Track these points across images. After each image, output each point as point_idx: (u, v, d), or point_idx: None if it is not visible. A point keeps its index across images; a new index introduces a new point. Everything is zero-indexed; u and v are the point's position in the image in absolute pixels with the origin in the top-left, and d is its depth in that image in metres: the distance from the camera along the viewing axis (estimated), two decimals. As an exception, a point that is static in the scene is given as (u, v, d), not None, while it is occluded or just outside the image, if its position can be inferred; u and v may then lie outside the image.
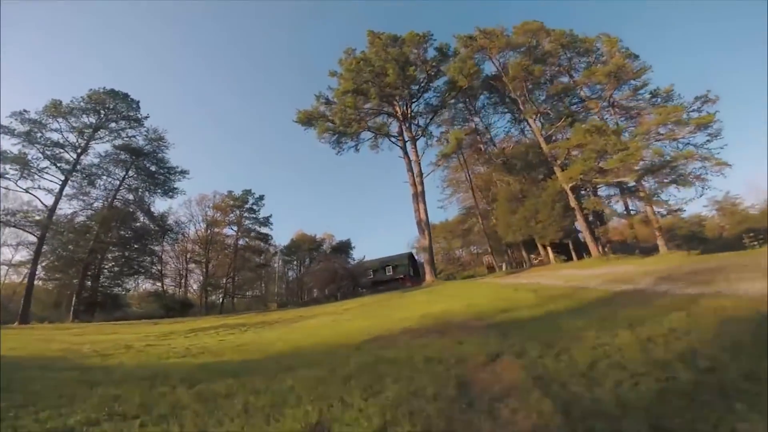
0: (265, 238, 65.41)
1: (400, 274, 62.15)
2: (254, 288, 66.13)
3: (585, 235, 29.78)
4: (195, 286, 53.05)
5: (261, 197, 65.36)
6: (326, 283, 45.03)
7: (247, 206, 64.01)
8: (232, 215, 62.13)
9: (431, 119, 36.41)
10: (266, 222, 65.26)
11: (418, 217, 30.19)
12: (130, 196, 41.61)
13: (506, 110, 40.82)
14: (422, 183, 33.15)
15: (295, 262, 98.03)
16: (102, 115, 39.78)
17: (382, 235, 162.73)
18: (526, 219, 29.86)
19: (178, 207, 57.58)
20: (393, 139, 36.02)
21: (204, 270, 51.57)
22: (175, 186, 44.47)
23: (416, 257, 75.78)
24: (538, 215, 29.47)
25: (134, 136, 43.65)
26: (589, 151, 26.00)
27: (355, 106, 30.68)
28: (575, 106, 35.07)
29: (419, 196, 31.57)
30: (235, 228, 61.56)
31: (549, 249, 33.25)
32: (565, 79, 34.57)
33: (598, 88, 32.74)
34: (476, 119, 41.24)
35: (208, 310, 48.26)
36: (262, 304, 63.64)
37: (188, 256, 51.94)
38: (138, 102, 43.39)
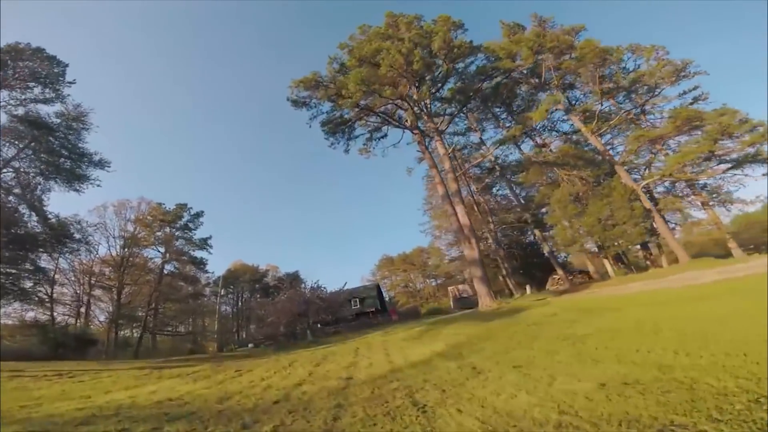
0: (201, 263, 52.39)
1: (369, 307, 53.02)
2: (182, 323, 51.43)
3: (667, 239, 24.95)
4: (103, 317, 38.32)
5: (199, 214, 53.15)
6: (294, 317, 34.43)
7: (180, 223, 51.37)
8: (159, 232, 48.82)
9: (460, 109, 29.94)
10: (204, 244, 52.57)
11: (457, 223, 22.35)
12: (16, 186, 28.30)
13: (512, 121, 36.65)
14: (456, 180, 25.75)
15: (230, 296, 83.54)
16: (10, 70, 27.72)
17: (329, 268, 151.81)
18: (601, 222, 24.14)
19: (87, 213, 43.11)
20: (404, 128, 28.76)
21: (115, 298, 37.56)
22: (84, 174, 31.87)
23: (382, 289, 67.29)
24: (613, 217, 24.16)
25: (48, 101, 31.47)
26: (711, 131, 21.93)
27: (403, 64, 22.61)
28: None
29: (455, 196, 24.11)
30: (162, 249, 48.10)
31: (607, 261, 27.89)
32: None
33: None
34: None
35: (117, 350, 34.29)
36: (191, 342, 49.32)
37: (94, 278, 37.65)
38: (66, 66, 31.81)
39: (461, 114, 35.80)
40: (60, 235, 29.93)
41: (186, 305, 49.04)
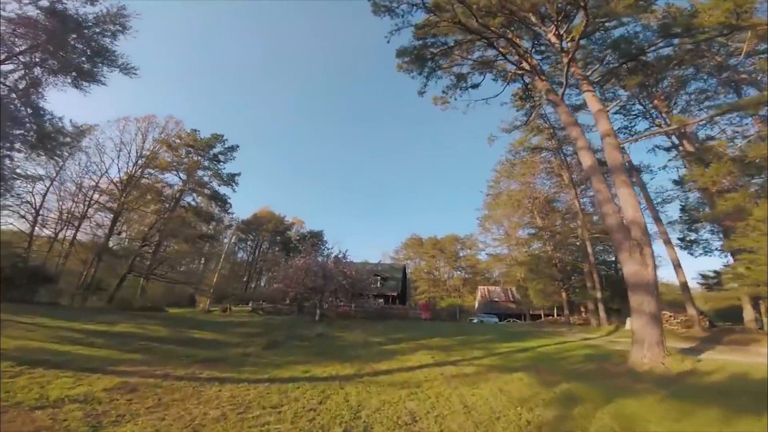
0: (223, 201, 46.14)
1: (391, 290, 45.49)
2: (187, 266, 45.27)
3: None
4: (86, 249, 31.69)
5: (233, 147, 46.37)
6: (306, 290, 27.29)
7: (210, 153, 44.95)
8: (185, 158, 42.51)
9: (622, 64, 19.05)
10: (230, 180, 46.16)
11: (615, 219, 12.14)
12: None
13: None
14: (620, 149, 15.54)
15: (249, 242, 78.58)
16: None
17: (353, 234, 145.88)
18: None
19: (106, 124, 37.11)
20: (523, 71, 19.23)
21: (110, 223, 31.28)
22: (91, 69, 25.06)
23: (407, 273, 59.49)
24: None
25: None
26: None
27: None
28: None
29: (619, 173, 13.67)
30: (184, 176, 41.88)
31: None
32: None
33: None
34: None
35: (86, 293, 27.80)
36: (194, 287, 43.61)
37: (92, 196, 31.45)
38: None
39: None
40: (44, 134, 23.41)
41: (194, 247, 42.47)
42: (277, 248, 76.00)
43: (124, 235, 34.36)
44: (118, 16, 26.89)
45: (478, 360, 12.44)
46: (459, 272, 76.44)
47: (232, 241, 65.34)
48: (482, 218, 48.92)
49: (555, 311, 42.85)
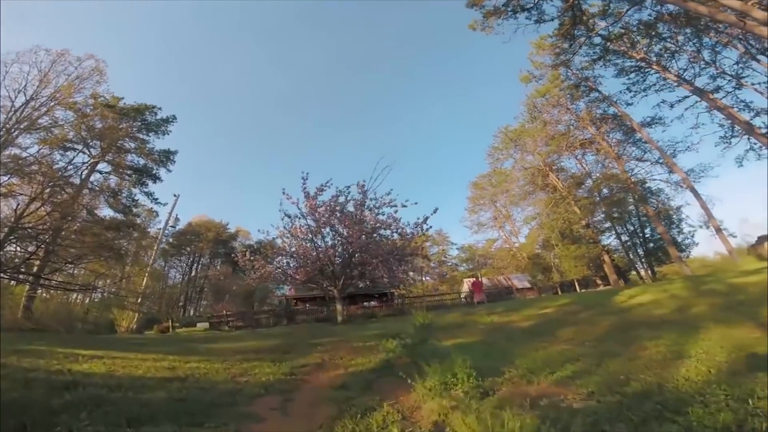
0: (149, 177, 31.86)
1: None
2: (85, 268, 28.09)
3: None
4: None
5: (168, 119, 32.96)
6: (315, 270, 15.96)
7: (137, 122, 31.29)
8: (98, 121, 28.56)
9: None
10: (165, 159, 32.52)
11: None
12: None
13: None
14: None
15: (183, 258, 61.30)
16: None
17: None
18: None
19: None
20: None
21: None
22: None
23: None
24: None
25: None
26: None
27: None
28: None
29: None
30: (99, 143, 28.03)
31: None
32: None
33: None
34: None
35: None
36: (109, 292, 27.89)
37: None
38: None
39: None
40: None
41: (98, 241, 26.19)
42: (220, 261, 60.43)
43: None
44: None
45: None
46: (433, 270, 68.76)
47: (159, 256, 49.08)
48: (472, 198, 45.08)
49: (576, 285, 35.58)
